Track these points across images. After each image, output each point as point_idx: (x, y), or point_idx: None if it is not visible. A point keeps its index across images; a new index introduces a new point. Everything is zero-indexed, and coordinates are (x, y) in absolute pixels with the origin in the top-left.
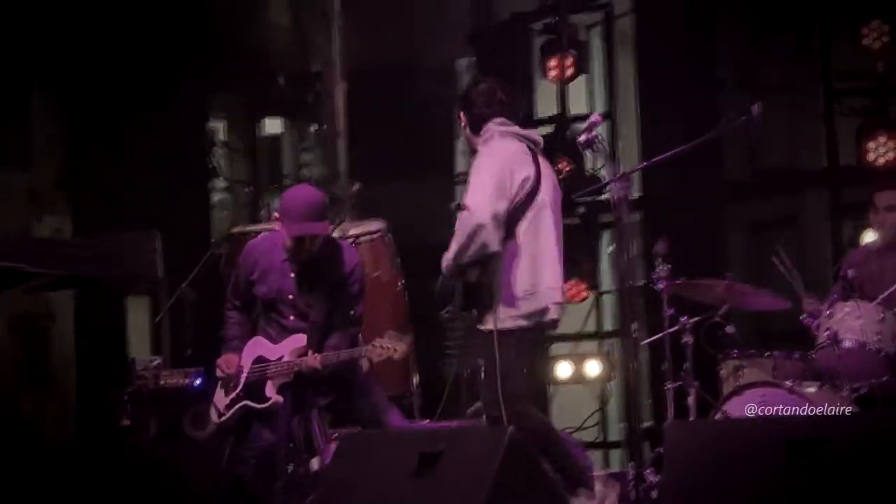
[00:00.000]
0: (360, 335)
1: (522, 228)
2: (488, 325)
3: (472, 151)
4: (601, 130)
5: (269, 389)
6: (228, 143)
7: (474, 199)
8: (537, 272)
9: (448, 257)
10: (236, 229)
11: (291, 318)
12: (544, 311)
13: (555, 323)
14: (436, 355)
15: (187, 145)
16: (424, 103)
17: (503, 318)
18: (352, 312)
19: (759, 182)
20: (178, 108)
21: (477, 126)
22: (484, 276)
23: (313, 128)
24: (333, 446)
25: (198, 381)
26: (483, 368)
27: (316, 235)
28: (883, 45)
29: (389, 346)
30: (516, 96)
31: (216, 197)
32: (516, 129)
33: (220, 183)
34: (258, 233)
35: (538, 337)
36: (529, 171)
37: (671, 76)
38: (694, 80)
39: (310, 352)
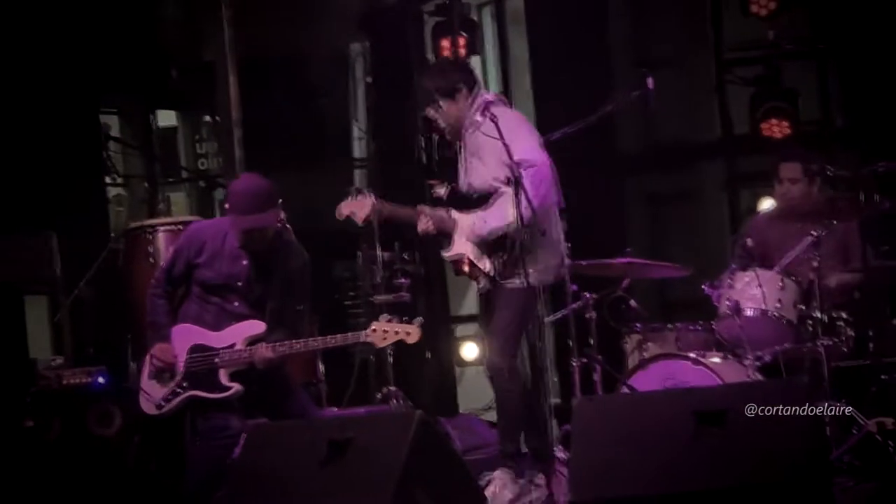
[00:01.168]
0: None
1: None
2: (516, 280)
3: (451, 129)
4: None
5: (224, 378)
6: (122, 137)
7: (533, 155)
8: (558, 230)
9: (502, 222)
10: (134, 224)
11: (236, 303)
12: (559, 265)
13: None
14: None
15: (80, 142)
16: (319, 90)
17: (533, 274)
18: (299, 308)
19: (656, 155)
20: (69, 104)
21: (452, 91)
22: (531, 233)
23: (208, 119)
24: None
25: (101, 380)
26: (494, 324)
27: (265, 227)
28: (770, 11)
29: (399, 329)
30: None
31: (112, 192)
32: (495, 95)
33: (115, 178)
34: (156, 227)
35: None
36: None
37: (564, 53)
38: (586, 57)
39: (272, 341)
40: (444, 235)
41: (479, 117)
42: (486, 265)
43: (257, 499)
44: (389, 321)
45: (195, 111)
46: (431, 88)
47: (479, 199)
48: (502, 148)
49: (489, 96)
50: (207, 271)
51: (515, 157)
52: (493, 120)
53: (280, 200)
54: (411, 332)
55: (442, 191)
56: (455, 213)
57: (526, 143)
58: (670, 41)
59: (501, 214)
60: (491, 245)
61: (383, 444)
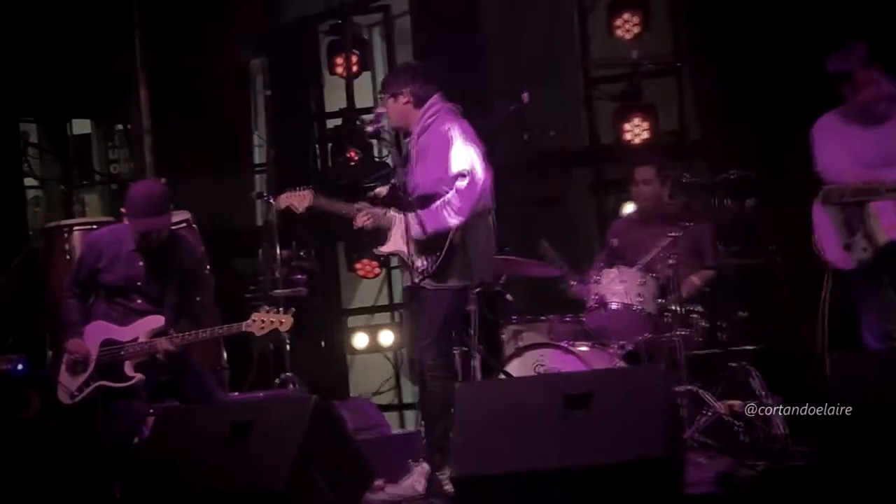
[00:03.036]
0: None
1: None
2: (450, 282)
3: (402, 128)
4: (386, 121)
5: (129, 368)
6: (40, 143)
7: (471, 164)
8: (490, 236)
9: (451, 219)
10: (51, 224)
11: (139, 301)
12: (488, 271)
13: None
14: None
15: (0, 148)
16: (222, 101)
17: (465, 277)
18: (197, 298)
19: (529, 163)
20: None
21: (421, 101)
22: (461, 236)
23: (120, 127)
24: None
25: (20, 367)
26: (426, 324)
27: (161, 229)
28: (633, 34)
29: (274, 319)
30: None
31: (31, 195)
32: (453, 105)
33: (33, 182)
34: (72, 226)
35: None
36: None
37: (447, 69)
38: (467, 73)
39: (168, 334)
40: (379, 231)
41: (429, 121)
42: (419, 264)
43: (165, 476)
44: (267, 312)
45: (108, 120)
46: (383, 83)
47: (419, 200)
48: (448, 156)
49: (446, 105)
50: (108, 275)
51: (454, 170)
52: (444, 130)
53: (172, 205)
54: (284, 321)
55: (383, 190)
56: (392, 212)
57: (466, 156)
58: (543, 60)
59: (439, 219)
60: (424, 245)
61: (282, 425)
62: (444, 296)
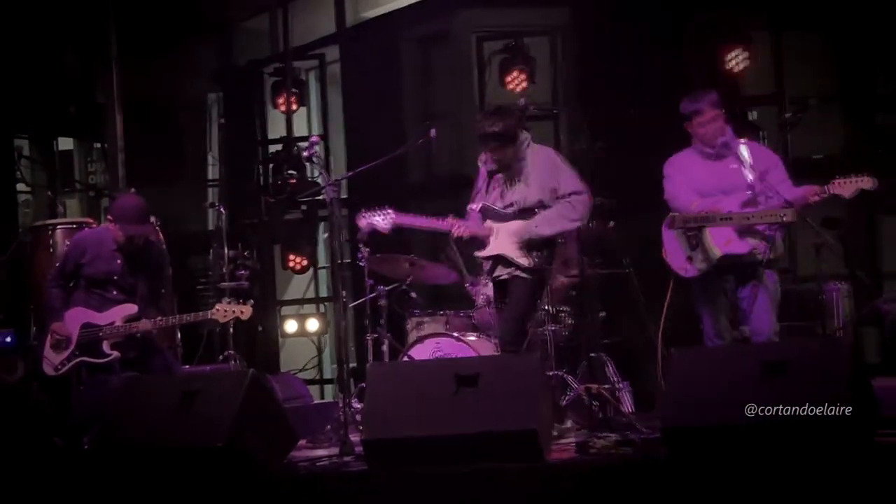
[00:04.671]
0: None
1: None
2: (533, 270)
3: (503, 161)
4: (318, 148)
5: (106, 347)
6: (31, 156)
7: (581, 185)
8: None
9: (569, 227)
10: (38, 223)
11: (115, 292)
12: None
13: None
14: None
15: None
16: (183, 127)
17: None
18: (163, 290)
19: (434, 185)
20: None
21: (515, 136)
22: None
23: (97, 145)
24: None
25: (8, 339)
26: (514, 309)
27: (145, 234)
28: (521, 87)
29: (237, 309)
30: None
31: (21, 198)
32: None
33: (24, 187)
34: (55, 226)
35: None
36: None
37: (370, 108)
38: (386, 111)
39: (144, 318)
40: (476, 239)
41: (527, 149)
42: (525, 261)
43: (125, 434)
44: (229, 303)
45: (88, 139)
46: (500, 130)
47: (520, 213)
48: (550, 177)
49: (527, 135)
50: (90, 269)
51: (569, 189)
52: (544, 155)
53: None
54: (244, 311)
55: (476, 206)
56: (489, 222)
57: (575, 178)
58: (448, 103)
59: (553, 223)
60: (531, 245)
61: (223, 394)
62: (532, 283)
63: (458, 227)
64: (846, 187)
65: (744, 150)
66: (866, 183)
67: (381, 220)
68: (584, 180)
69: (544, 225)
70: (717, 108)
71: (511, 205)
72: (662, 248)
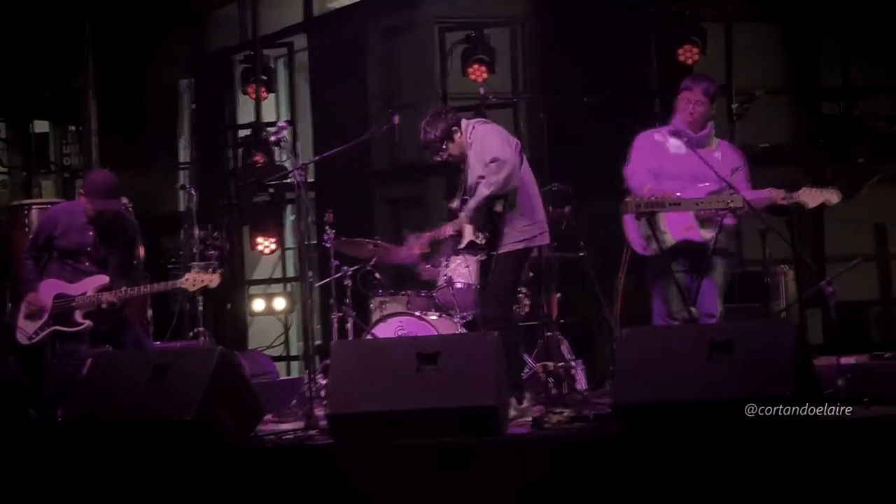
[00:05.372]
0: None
1: (522, 171)
2: (504, 248)
3: (455, 157)
4: (286, 133)
5: (78, 316)
6: (7, 138)
7: (500, 151)
8: (534, 206)
9: (484, 193)
10: (14, 203)
11: (87, 264)
12: (536, 237)
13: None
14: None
15: None
16: (156, 112)
17: (513, 242)
18: (135, 262)
19: (397, 171)
20: None
21: (451, 135)
22: (505, 207)
23: (72, 128)
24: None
25: None
26: (487, 284)
27: (114, 209)
28: (482, 77)
29: (205, 277)
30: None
31: None
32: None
33: (2, 168)
34: (31, 206)
35: (528, 256)
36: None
37: (336, 94)
38: (351, 99)
39: (114, 289)
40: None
41: (470, 136)
42: (480, 238)
43: (98, 406)
44: (198, 272)
45: (63, 122)
46: (435, 138)
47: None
48: (481, 151)
49: (473, 120)
50: (63, 241)
51: (488, 157)
52: (479, 132)
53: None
54: (213, 279)
55: (454, 203)
56: (460, 216)
57: (495, 145)
58: (411, 91)
59: (476, 196)
60: (477, 223)
61: (194, 369)
62: (501, 259)
63: (447, 228)
64: (813, 197)
65: (721, 147)
66: (833, 197)
67: (419, 248)
68: (519, 152)
69: (471, 200)
70: (707, 96)
71: (467, 191)
72: (624, 227)
